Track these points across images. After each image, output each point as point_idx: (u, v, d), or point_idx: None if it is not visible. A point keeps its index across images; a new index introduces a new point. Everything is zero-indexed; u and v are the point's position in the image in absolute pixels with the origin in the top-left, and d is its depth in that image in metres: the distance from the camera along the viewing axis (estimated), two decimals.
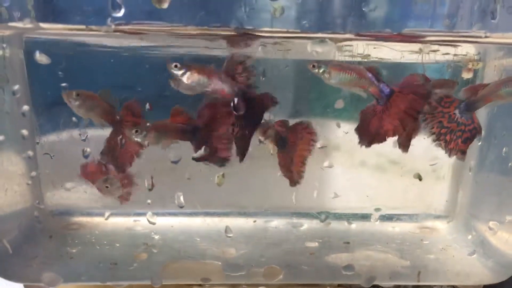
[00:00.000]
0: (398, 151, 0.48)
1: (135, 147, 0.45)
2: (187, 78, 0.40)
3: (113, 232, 0.54)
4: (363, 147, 0.45)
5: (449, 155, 0.45)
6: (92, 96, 0.43)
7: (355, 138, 0.46)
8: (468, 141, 0.45)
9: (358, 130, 0.44)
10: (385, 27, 0.40)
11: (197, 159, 0.44)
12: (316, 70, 0.41)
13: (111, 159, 0.46)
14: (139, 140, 0.43)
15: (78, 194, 0.53)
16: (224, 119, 0.43)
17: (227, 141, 0.44)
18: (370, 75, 0.42)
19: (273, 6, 0.40)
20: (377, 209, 0.54)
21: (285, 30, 0.40)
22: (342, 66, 0.41)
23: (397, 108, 0.43)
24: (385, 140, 0.44)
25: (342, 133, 0.51)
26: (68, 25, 0.38)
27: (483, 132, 0.50)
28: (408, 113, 0.43)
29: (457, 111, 0.44)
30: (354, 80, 0.42)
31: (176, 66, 0.39)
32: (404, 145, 0.45)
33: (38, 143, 0.50)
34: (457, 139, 0.45)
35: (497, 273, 0.50)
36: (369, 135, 0.44)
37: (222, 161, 0.44)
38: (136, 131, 0.42)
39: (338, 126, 0.51)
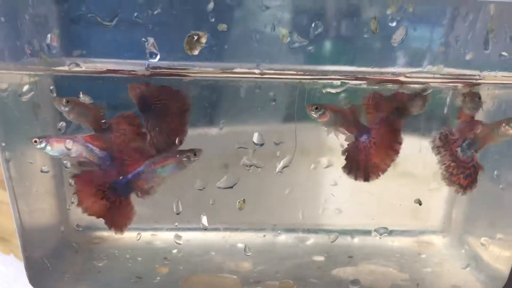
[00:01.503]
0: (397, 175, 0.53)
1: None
2: (50, 149, 0.45)
3: (134, 245, 0.57)
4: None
5: (449, 185, 0.50)
6: (82, 103, 0.47)
7: None
8: (468, 178, 0.50)
9: (350, 169, 0.50)
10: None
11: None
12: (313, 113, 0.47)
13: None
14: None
15: None
16: None
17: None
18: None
19: (281, 33, 0.44)
20: (382, 228, 0.58)
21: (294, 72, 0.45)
22: (334, 109, 0.48)
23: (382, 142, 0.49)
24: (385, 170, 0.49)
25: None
26: (108, 67, 0.42)
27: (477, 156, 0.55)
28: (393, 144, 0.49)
29: (459, 149, 0.49)
30: (343, 122, 0.49)
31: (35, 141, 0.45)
32: None
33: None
34: (459, 174, 0.50)
35: (488, 286, 0.54)
36: (366, 171, 0.49)
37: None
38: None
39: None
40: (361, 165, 0.50)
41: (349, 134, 0.50)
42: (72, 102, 0.46)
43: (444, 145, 0.50)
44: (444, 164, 0.51)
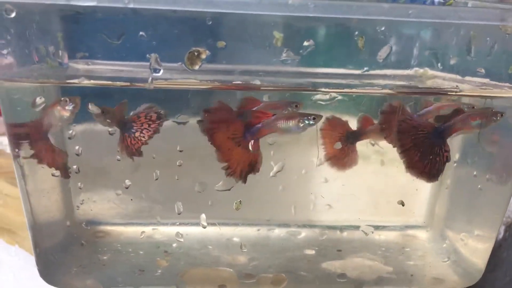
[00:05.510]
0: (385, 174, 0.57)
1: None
2: None
3: (136, 239, 0.61)
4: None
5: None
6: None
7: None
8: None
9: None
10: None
11: None
12: None
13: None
14: None
15: (102, 205, 0.60)
16: None
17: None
18: None
19: (274, 36, 0.46)
20: (369, 226, 0.62)
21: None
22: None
23: None
24: None
25: None
26: (115, 82, 0.46)
27: (458, 156, 0.59)
28: None
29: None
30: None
31: None
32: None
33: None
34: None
35: (465, 279, 0.59)
36: None
37: None
38: None
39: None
40: None
41: None
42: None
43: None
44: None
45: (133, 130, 0.51)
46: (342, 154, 0.56)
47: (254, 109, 0.51)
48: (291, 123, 0.49)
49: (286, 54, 0.44)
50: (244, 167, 0.51)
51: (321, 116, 0.50)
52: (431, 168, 0.52)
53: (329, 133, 0.55)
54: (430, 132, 0.52)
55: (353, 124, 0.55)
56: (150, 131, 0.50)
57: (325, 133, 0.55)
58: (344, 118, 0.55)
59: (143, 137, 0.50)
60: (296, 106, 0.50)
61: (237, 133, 0.50)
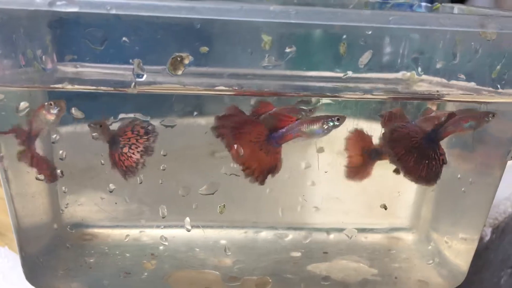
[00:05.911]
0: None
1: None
2: None
3: (122, 242, 0.61)
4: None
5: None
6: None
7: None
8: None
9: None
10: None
11: None
12: None
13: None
14: None
15: (89, 207, 0.60)
16: None
17: None
18: None
19: (263, 39, 0.46)
20: (355, 228, 0.62)
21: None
22: None
23: None
24: None
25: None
26: (99, 87, 0.46)
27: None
28: None
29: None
30: None
31: None
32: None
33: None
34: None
35: (449, 281, 0.59)
36: None
37: None
38: None
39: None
40: None
41: None
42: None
43: None
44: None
45: (120, 146, 0.50)
46: (363, 167, 0.57)
47: (270, 112, 0.51)
48: (316, 126, 0.49)
49: (268, 59, 0.45)
50: (263, 171, 0.51)
51: (344, 117, 0.49)
52: (428, 172, 0.53)
53: (354, 144, 0.55)
54: (423, 137, 0.52)
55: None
56: (139, 146, 0.50)
57: (351, 142, 0.55)
58: None
59: (133, 153, 0.50)
60: (311, 110, 0.50)
61: (260, 137, 0.50)
